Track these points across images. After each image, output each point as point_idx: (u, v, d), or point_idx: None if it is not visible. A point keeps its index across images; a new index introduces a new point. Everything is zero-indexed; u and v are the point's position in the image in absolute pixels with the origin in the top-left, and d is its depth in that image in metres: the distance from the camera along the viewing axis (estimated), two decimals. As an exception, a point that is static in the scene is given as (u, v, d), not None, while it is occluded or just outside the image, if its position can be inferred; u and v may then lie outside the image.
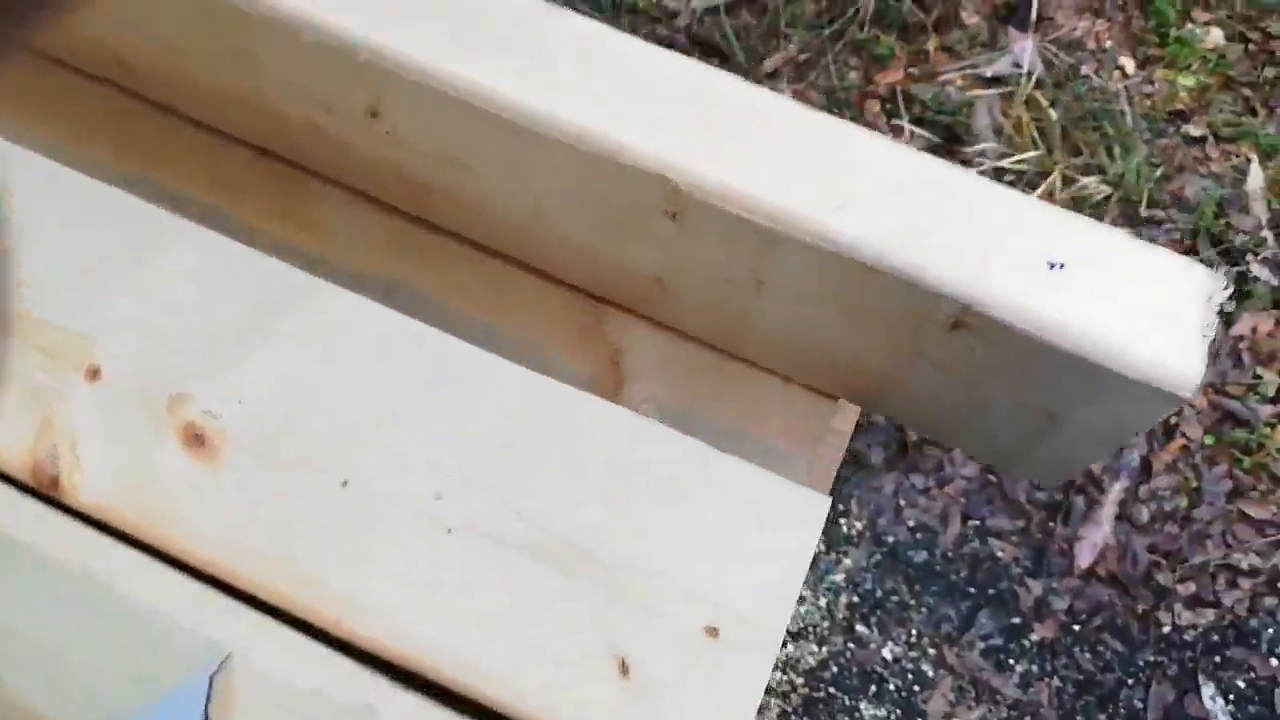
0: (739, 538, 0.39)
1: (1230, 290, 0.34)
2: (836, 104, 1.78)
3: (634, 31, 1.75)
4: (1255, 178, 1.81)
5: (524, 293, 0.48)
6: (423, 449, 0.41)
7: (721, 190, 0.36)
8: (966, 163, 1.77)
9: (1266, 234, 1.78)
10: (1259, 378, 1.73)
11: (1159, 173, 1.77)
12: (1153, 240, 1.77)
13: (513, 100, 0.38)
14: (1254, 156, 1.81)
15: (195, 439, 0.40)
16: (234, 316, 0.43)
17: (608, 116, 0.37)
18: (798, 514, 0.40)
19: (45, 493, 0.40)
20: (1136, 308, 0.35)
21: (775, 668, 1.61)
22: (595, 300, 0.47)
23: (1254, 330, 1.74)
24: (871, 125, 1.79)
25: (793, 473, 0.47)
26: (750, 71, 1.79)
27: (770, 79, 1.79)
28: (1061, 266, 0.35)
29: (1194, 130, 1.80)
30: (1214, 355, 1.74)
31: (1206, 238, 1.75)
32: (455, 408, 0.42)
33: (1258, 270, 1.75)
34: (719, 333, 0.44)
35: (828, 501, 0.41)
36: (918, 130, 1.78)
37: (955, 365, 0.37)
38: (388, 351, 0.43)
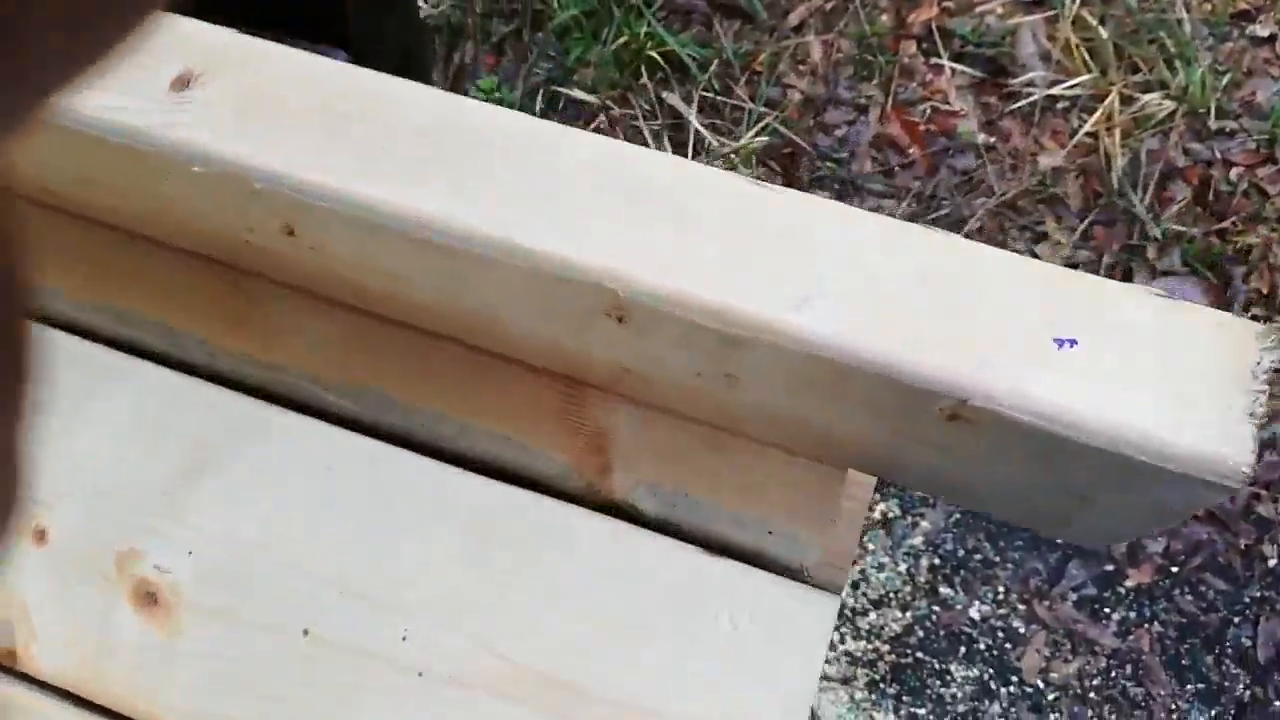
0: (739, 658, 0.36)
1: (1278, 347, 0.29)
2: (869, 50, 1.69)
3: (648, 2, 1.68)
4: (1333, 71, 1.67)
5: (495, 381, 0.44)
6: (386, 585, 0.38)
7: (667, 295, 0.32)
8: (1015, 95, 1.67)
9: (1351, 131, 1.65)
10: (1353, 287, 1.61)
11: (1226, 80, 1.65)
12: (1226, 153, 1.66)
13: (425, 217, 0.34)
14: (1330, 49, 1.67)
15: (147, 598, 0.38)
16: (180, 459, 0.41)
17: (534, 223, 0.33)
18: (803, 623, 0.36)
19: (4, 664, 0.38)
20: (1166, 384, 0.29)
21: (859, 637, 1.58)
22: (572, 382, 0.43)
23: (1346, 237, 1.62)
24: (908, 68, 1.70)
25: (804, 555, 0.43)
26: (775, 27, 1.71)
27: (797, 32, 1.71)
28: (1072, 343, 0.30)
29: (1261, 30, 1.67)
30: (1301, 268, 1.63)
31: (1284, 144, 1.63)
32: (417, 534, 0.39)
33: (1343, 172, 1.63)
34: (706, 412, 0.40)
35: (836, 601, 0.37)
36: (959, 67, 1.68)
37: (961, 453, 0.32)
38: (342, 479, 0.40)
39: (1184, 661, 1.48)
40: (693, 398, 0.39)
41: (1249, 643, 1.49)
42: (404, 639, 0.37)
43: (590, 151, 0.35)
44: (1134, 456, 0.29)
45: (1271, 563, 1.54)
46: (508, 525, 0.38)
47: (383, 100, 0.36)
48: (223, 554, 0.40)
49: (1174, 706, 1.46)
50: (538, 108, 1.71)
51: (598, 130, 1.66)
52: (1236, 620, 1.51)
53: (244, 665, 0.38)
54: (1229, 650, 1.50)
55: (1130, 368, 0.30)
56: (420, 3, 1.72)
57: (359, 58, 1.01)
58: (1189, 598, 1.52)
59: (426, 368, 0.45)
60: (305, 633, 0.38)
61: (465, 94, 1.76)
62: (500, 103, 1.69)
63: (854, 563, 1.57)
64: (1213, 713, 1.46)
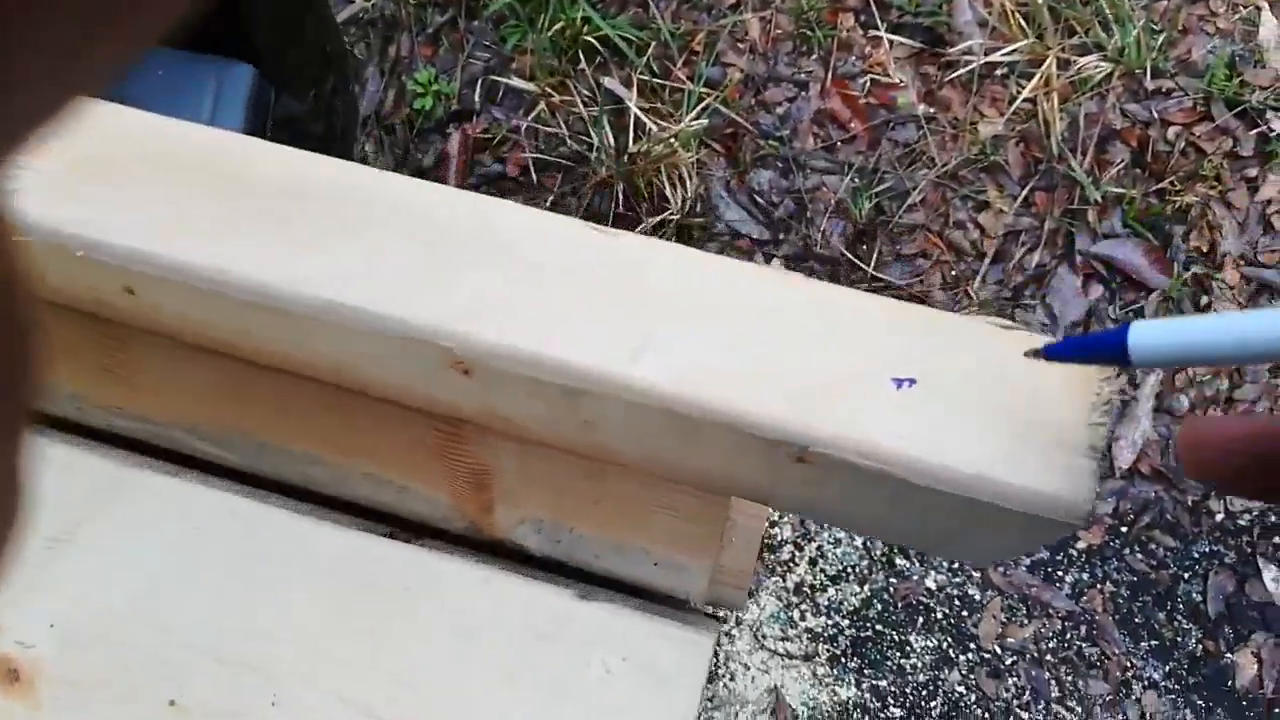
0: (610, 703, 0.36)
1: (1120, 376, 0.29)
2: (807, 25, 1.68)
3: (580, -17, 1.65)
4: (1269, 27, 1.68)
5: (371, 423, 0.44)
6: (253, 648, 0.38)
7: (503, 352, 0.32)
8: (953, 64, 1.67)
9: (1285, 86, 1.66)
10: (1292, 242, 1.63)
11: (1161, 39, 1.65)
12: (1164, 113, 1.66)
13: (247, 279, 0.33)
14: (1264, 4, 1.68)
15: (10, 675, 0.38)
16: (44, 525, 0.40)
17: (363, 282, 0.33)
18: (677, 663, 0.36)
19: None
20: (1005, 421, 0.29)
21: (819, 613, 1.59)
22: (450, 420, 0.43)
23: (1282, 192, 1.64)
24: (847, 41, 1.69)
25: (690, 584, 0.43)
26: (712, 6, 1.69)
27: (734, 10, 1.69)
28: (912, 383, 0.30)
29: (1193, -13, 1.68)
30: (1242, 226, 1.64)
31: (1220, 101, 1.63)
32: (285, 592, 0.38)
33: None
34: (584, 450, 0.40)
35: (712, 639, 0.37)
36: (897, 38, 1.68)
37: (822, 489, 0.32)
38: (208, 539, 0.39)
39: (1137, 619, 1.51)
40: (565, 439, 0.39)
41: (1199, 598, 1.52)
42: (273, 704, 0.37)
43: (420, 201, 0.35)
44: (975, 498, 0.29)
45: (1219, 517, 1.56)
46: (378, 576, 0.38)
47: (210, 157, 0.36)
48: (86, 624, 0.39)
49: (1129, 664, 1.49)
50: (477, 98, 1.69)
51: (538, 119, 1.64)
52: (1186, 576, 1.54)
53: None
54: (1180, 606, 1.52)
55: (969, 406, 0.30)
56: (349, -4, 1.69)
57: (270, 69, 0.99)
58: (1139, 556, 1.55)
59: (300, 412, 0.44)
60: (171, 703, 0.38)
61: (403, 87, 1.73)
62: (439, 95, 1.67)
63: (803, 545, 1.58)
64: (1166, 668, 1.49)
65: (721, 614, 0.49)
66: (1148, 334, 0.24)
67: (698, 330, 0.32)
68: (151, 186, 0.36)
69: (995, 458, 0.29)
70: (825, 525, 1.61)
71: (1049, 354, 0.26)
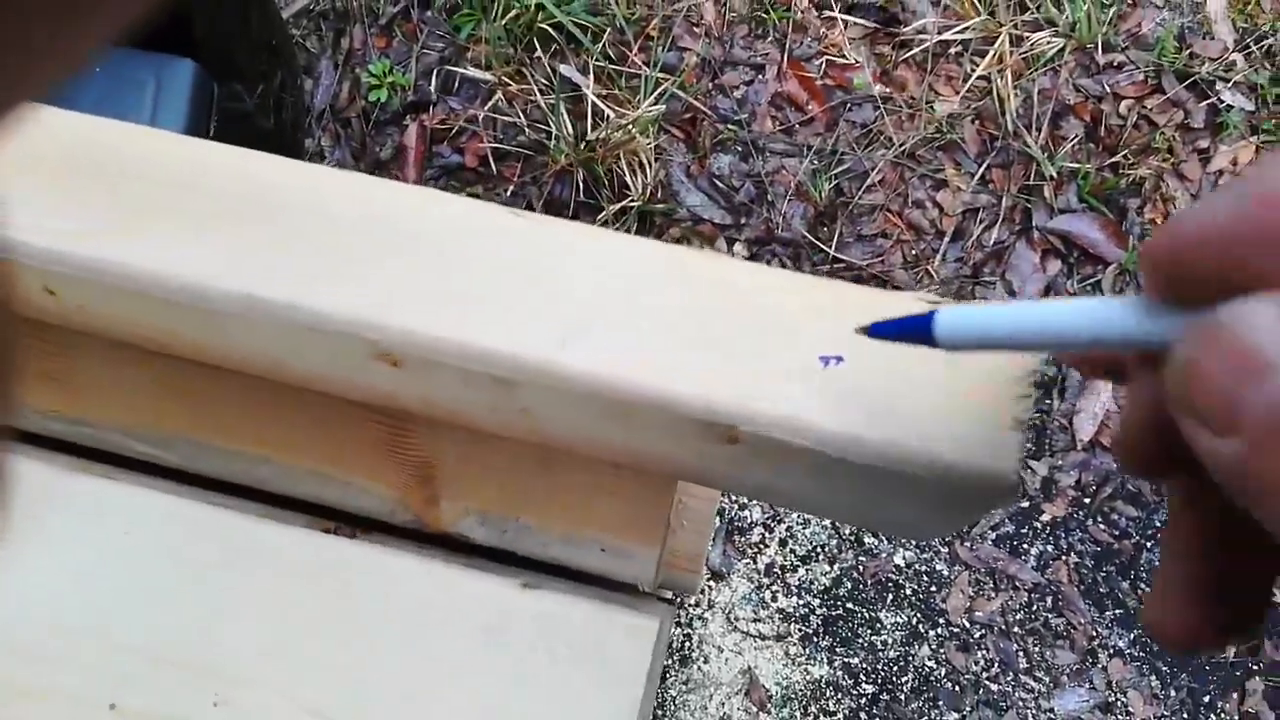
0: (557, 691, 0.36)
1: (1047, 376, 0.29)
2: (762, 7, 1.68)
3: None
4: (1215, -1, 1.70)
5: (311, 418, 0.43)
6: (194, 649, 0.38)
7: (427, 343, 0.31)
8: (908, 43, 1.67)
9: (1235, 57, 1.68)
10: (1244, 212, 1.65)
11: (1111, 13, 1.67)
12: (1115, 87, 1.67)
13: (159, 276, 0.33)
14: (1210, -23, 1.70)
15: None
16: None
17: (281, 274, 0.32)
18: (624, 648, 0.36)
19: None
20: (932, 395, 0.29)
21: (790, 593, 1.60)
22: (392, 413, 0.42)
23: (1234, 163, 1.66)
24: (802, 23, 1.69)
25: (639, 570, 0.43)
26: (664, -12, 1.68)
27: (687, -9, 1.69)
28: (839, 360, 0.30)
29: (1142, -39, 1.69)
30: (1195, 197, 1.65)
31: (1171, 74, 1.65)
32: (225, 592, 0.38)
33: (1230, 97, 1.65)
34: (524, 436, 0.40)
35: (658, 622, 0.37)
36: (851, 18, 1.68)
37: (755, 468, 0.32)
38: (145, 541, 0.39)
39: (1101, 589, 1.53)
40: (502, 427, 0.38)
41: (1162, 566, 1.54)
42: (215, 705, 0.37)
43: (337, 189, 0.34)
44: (903, 470, 0.29)
45: (1180, 487, 1.58)
46: (322, 574, 0.38)
47: (117, 152, 0.35)
48: (24, 630, 0.39)
49: (1094, 633, 1.51)
50: (433, 89, 1.67)
51: (495, 108, 1.63)
52: (1149, 545, 1.56)
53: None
54: (1143, 574, 1.54)
55: (897, 381, 0.30)
56: (298, -12, 1.67)
57: (215, 65, 0.98)
58: (1102, 527, 1.57)
59: (240, 411, 0.44)
60: (112, 706, 0.37)
61: (358, 80, 1.72)
62: (394, 86, 1.65)
63: (773, 526, 1.59)
64: (1131, 635, 1.51)
65: (674, 596, 0.49)
66: (953, 319, 0.25)
67: (626, 315, 0.31)
68: (62, 183, 0.35)
69: (923, 432, 0.29)
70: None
71: (872, 332, 0.27)
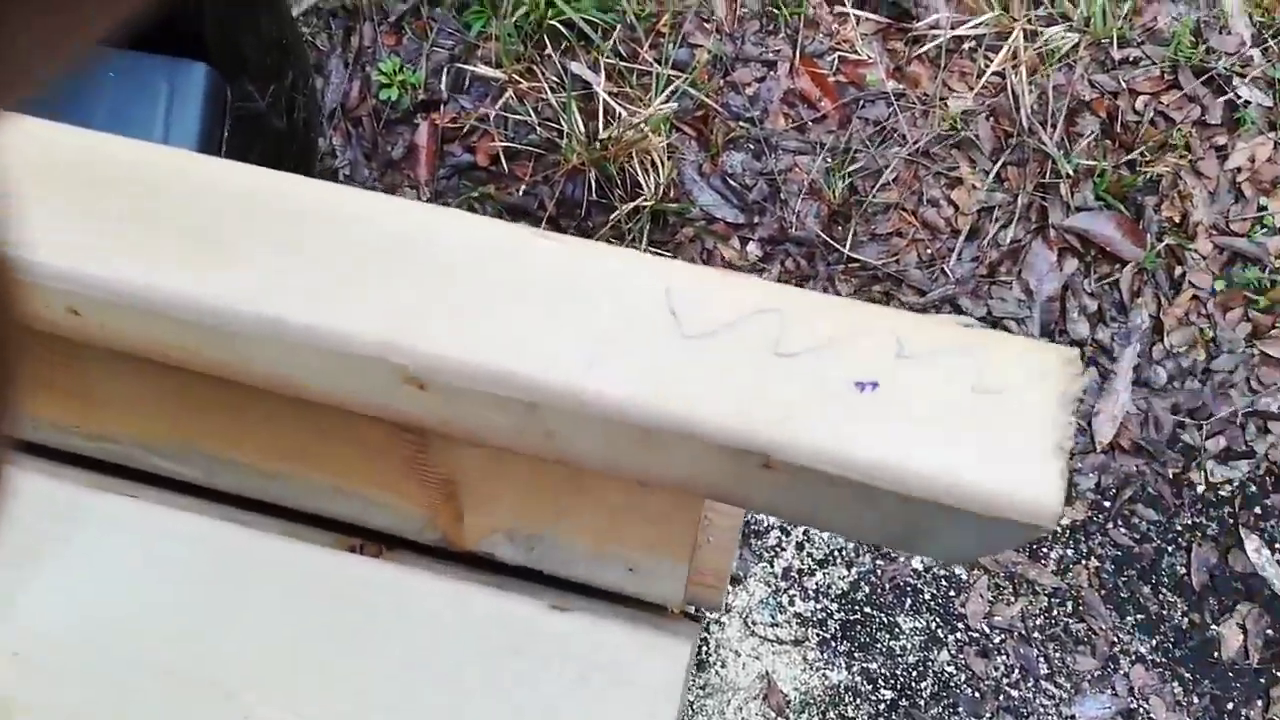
0: (590, 712, 0.34)
1: (1085, 373, 0.27)
2: (773, 2, 1.67)
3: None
4: (1233, -7, 1.68)
5: (334, 434, 0.42)
6: (218, 670, 0.36)
7: (457, 367, 0.30)
8: (921, 38, 1.65)
9: (1252, 52, 1.65)
10: (1264, 209, 1.63)
11: (1126, 8, 1.65)
12: (1132, 82, 1.65)
13: (184, 298, 0.31)
14: (1229, -30, 1.67)
15: None
16: (2, 555, 0.38)
17: (306, 297, 0.31)
18: (652, 669, 0.34)
19: None
20: (970, 423, 0.28)
21: (808, 598, 1.59)
22: (414, 431, 0.41)
23: (1252, 160, 1.63)
24: (814, 19, 1.67)
25: (667, 588, 0.41)
26: (675, -14, 1.67)
27: (698, -11, 1.67)
28: (874, 386, 0.28)
29: (1160, -45, 1.67)
30: (1213, 194, 1.64)
31: (1187, 69, 1.63)
32: (244, 608, 0.37)
33: (1247, 93, 1.63)
34: (551, 457, 0.38)
35: (689, 644, 0.36)
36: (863, 14, 1.66)
37: (789, 495, 0.31)
38: (162, 562, 0.38)
39: (1122, 594, 1.51)
40: (529, 449, 0.37)
41: (1183, 570, 1.52)
42: None
43: (365, 210, 0.33)
44: (940, 501, 0.27)
45: (1200, 489, 1.56)
46: (344, 593, 0.37)
47: (137, 171, 0.34)
48: (47, 649, 0.38)
49: (1115, 639, 1.49)
50: (444, 87, 1.66)
51: (506, 107, 1.62)
52: (1170, 549, 1.54)
53: (77, 761, 0.36)
54: (1164, 579, 1.52)
55: (933, 408, 0.28)
56: (307, -12, 1.66)
57: (225, 66, 0.97)
58: (1123, 531, 1.55)
59: (262, 427, 0.43)
60: None
61: (368, 78, 1.70)
62: (405, 85, 1.64)
63: (790, 530, 1.58)
64: (1153, 641, 1.49)
65: (700, 614, 0.48)
66: None
67: (652, 340, 0.30)
68: (86, 204, 0.34)
69: (961, 461, 0.28)
70: (808, 509, 1.60)
71: None
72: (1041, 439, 0.27)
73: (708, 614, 1.48)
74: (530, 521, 0.41)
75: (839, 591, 1.57)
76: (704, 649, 1.52)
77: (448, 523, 0.41)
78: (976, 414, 0.28)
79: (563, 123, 1.58)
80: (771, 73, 1.68)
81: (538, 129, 1.61)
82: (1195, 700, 1.45)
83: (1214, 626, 1.50)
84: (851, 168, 1.62)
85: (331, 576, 0.38)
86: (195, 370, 0.42)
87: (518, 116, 1.62)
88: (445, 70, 1.66)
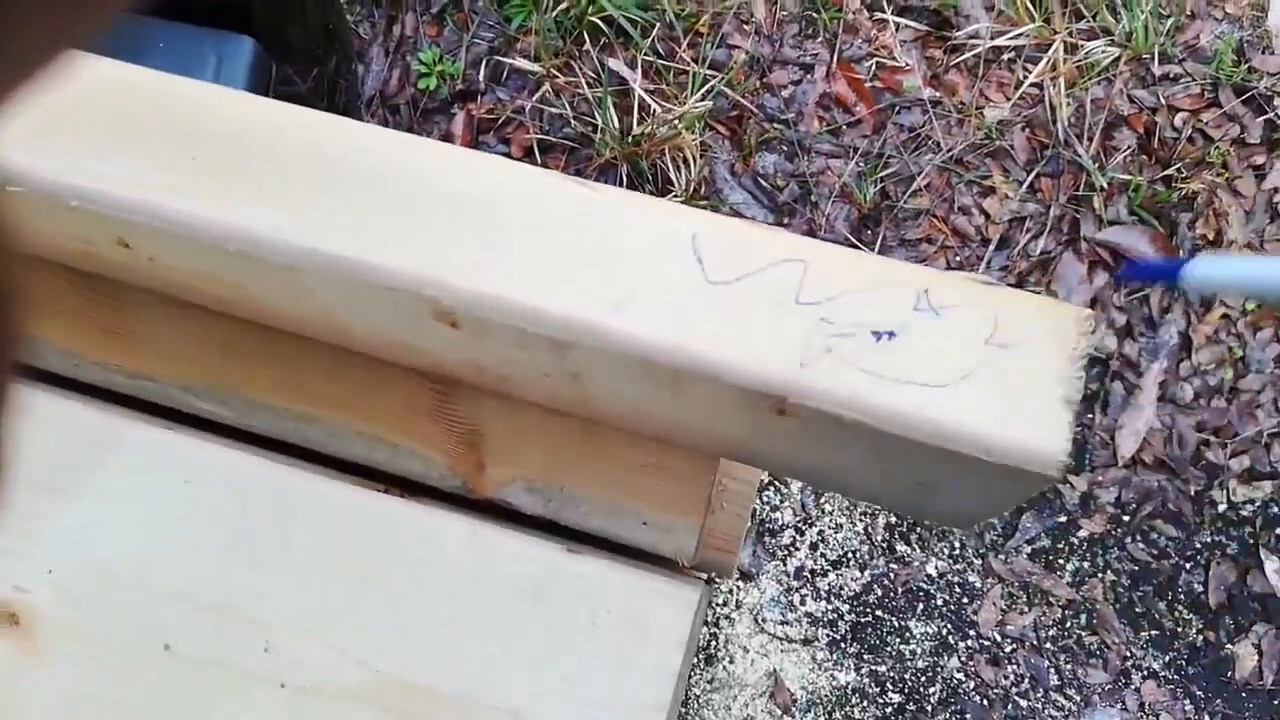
0: (597, 652, 0.35)
1: (1096, 331, 0.28)
2: (813, 6, 1.67)
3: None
4: (1277, 13, 1.67)
5: (364, 381, 0.43)
6: (247, 597, 0.38)
7: (487, 301, 0.31)
8: (959, 47, 1.65)
9: (1294, 73, 1.64)
10: (1300, 230, 1.62)
11: (1169, 24, 1.64)
12: (1171, 99, 1.65)
13: (236, 230, 0.33)
14: (1273, -10, 1.66)
15: (8, 619, 0.38)
16: (40, 477, 0.40)
17: (349, 232, 0.32)
18: (663, 615, 0.36)
19: None
20: (983, 374, 0.29)
21: (819, 598, 1.59)
22: (442, 380, 0.42)
23: (1290, 180, 1.62)
24: (853, 24, 1.68)
25: (679, 544, 0.42)
26: (716, -15, 1.68)
27: (738, -10, 1.68)
28: (891, 335, 0.29)
29: (1203, -28, 1.66)
30: (1248, 213, 1.63)
31: (1228, 88, 1.62)
32: (278, 544, 0.38)
33: (1288, 115, 1.62)
34: (573, 406, 0.39)
35: (698, 593, 0.36)
36: (903, 21, 1.67)
37: (803, 442, 0.32)
38: (201, 492, 0.39)
39: (1137, 609, 1.50)
40: (552, 395, 0.38)
41: (1200, 588, 1.51)
42: (265, 650, 0.37)
43: (405, 153, 0.34)
44: (951, 448, 0.28)
45: (1221, 508, 1.55)
46: (368, 530, 0.38)
47: (191, 107, 0.35)
48: (83, 571, 0.40)
49: (1129, 654, 1.48)
50: (482, 78, 1.68)
51: (543, 100, 1.64)
52: (1188, 566, 1.53)
53: (105, 682, 0.38)
54: (1181, 596, 1.51)
55: (947, 359, 0.29)
56: (353, -26, 1.69)
57: (272, 47, 0.99)
58: (1141, 545, 1.54)
59: (295, 371, 0.44)
60: (166, 648, 0.38)
61: (408, 67, 1.73)
62: (444, 75, 1.66)
63: (804, 529, 1.58)
64: (1166, 658, 1.48)
65: (709, 578, 0.49)
66: (1204, 267, 0.28)
67: (681, 285, 0.31)
68: (136, 138, 0.36)
69: (972, 409, 0.28)
70: (826, 510, 1.60)
71: (1122, 274, 0.29)
72: (1051, 392, 0.28)
73: (718, 579, 1.49)
74: (549, 473, 0.42)
75: (851, 593, 1.57)
76: (713, 644, 1.52)
77: (469, 471, 0.42)
78: (990, 366, 0.29)
79: (597, 117, 1.59)
80: (808, 76, 1.69)
81: (573, 123, 1.63)
82: (1206, 719, 1.44)
83: (1229, 646, 1.49)
84: (884, 173, 1.62)
85: (361, 514, 0.39)
86: (234, 313, 0.43)
87: (553, 110, 1.64)
88: (484, 62, 1.68)
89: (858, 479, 0.33)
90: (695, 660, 1.50)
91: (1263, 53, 1.64)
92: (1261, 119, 1.61)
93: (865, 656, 1.55)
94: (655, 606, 0.36)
